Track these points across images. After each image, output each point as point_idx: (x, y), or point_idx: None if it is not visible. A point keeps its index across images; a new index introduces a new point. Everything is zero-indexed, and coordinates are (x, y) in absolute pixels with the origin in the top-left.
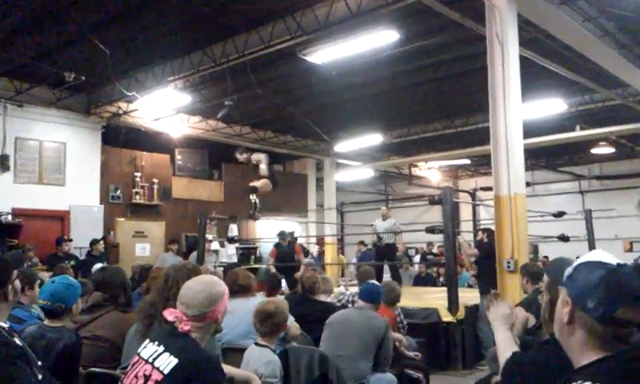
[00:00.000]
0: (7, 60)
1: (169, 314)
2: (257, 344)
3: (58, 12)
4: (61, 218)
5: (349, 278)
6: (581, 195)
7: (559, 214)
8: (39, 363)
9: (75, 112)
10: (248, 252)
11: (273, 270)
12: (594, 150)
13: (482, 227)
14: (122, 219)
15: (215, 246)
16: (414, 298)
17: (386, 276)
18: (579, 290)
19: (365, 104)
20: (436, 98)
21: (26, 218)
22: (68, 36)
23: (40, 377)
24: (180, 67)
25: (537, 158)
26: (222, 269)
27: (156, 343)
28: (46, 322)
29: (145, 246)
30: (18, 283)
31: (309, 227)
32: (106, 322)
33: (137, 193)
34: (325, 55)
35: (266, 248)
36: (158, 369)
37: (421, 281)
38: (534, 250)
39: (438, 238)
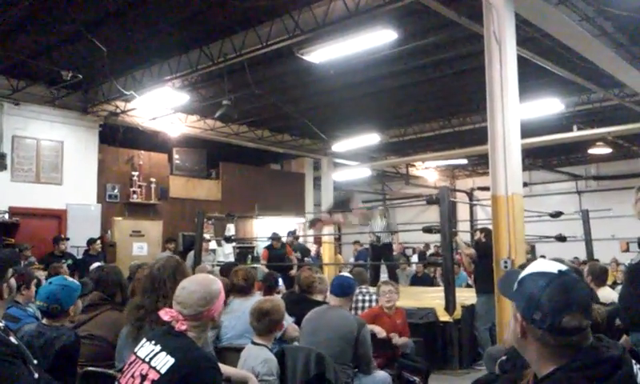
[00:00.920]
0: (4, 58)
1: (165, 314)
2: (253, 343)
3: (56, 10)
4: (58, 217)
5: None
6: (578, 195)
7: (556, 214)
8: (35, 362)
9: (72, 110)
10: (245, 251)
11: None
12: (592, 150)
13: (479, 227)
14: (120, 218)
15: (212, 245)
16: (411, 297)
17: (384, 276)
18: (525, 304)
19: (362, 103)
20: (433, 98)
21: (23, 217)
22: (65, 34)
23: (36, 375)
24: (178, 66)
25: (534, 158)
26: (218, 268)
27: (153, 342)
28: (44, 321)
29: (142, 245)
30: (13, 282)
31: (306, 226)
32: (103, 321)
33: (134, 192)
34: (322, 54)
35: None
36: (154, 368)
37: (418, 281)
38: (532, 250)
39: (435, 238)
